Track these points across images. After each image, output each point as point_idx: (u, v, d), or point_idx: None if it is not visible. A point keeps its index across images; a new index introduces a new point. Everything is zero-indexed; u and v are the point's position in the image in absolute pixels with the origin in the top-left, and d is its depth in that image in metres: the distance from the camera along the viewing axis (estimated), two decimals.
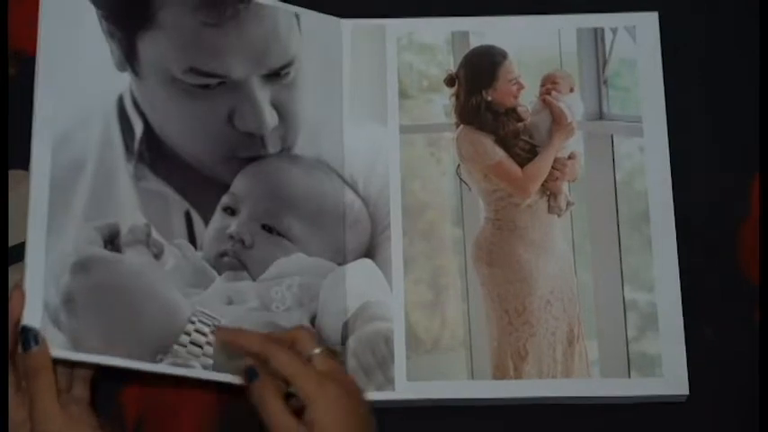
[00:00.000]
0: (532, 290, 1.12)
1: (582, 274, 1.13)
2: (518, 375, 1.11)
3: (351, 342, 1.09)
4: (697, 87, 1.18)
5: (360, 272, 1.12)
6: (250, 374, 0.99)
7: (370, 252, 1.13)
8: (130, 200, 1.07)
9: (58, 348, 0.99)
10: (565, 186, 1.14)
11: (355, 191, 1.14)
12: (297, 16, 1.13)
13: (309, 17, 1.14)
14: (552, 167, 1.14)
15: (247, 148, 1.12)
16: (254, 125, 1.11)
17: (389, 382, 1.09)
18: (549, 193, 1.14)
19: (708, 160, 1.17)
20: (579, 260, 1.13)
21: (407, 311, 1.11)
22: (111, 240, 1.05)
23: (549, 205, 1.14)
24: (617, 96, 1.16)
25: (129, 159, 1.09)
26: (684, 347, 1.10)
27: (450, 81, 1.15)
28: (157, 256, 1.06)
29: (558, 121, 1.14)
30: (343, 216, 1.13)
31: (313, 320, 1.09)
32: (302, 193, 1.12)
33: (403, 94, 1.15)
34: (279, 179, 1.12)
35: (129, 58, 1.09)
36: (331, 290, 1.10)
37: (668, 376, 1.09)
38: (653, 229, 1.12)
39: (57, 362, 1.00)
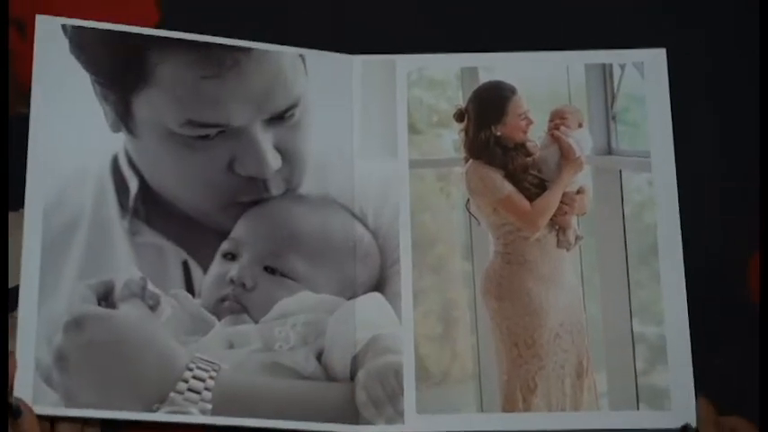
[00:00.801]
0: (542, 323, 1.13)
1: (591, 308, 1.13)
2: (527, 408, 1.11)
3: (360, 375, 1.09)
4: (705, 122, 1.19)
5: (369, 305, 1.12)
6: None
7: (379, 285, 1.13)
8: (125, 255, 1.09)
9: (50, 406, 1.02)
10: (573, 220, 1.15)
11: (365, 225, 1.15)
12: (302, 57, 1.14)
13: (316, 57, 1.14)
14: (561, 202, 1.14)
15: (249, 193, 1.12)
16: (256, 170, 1.11)
17: (399, 415, 1.09)
18: (557, 227, 1.14)
19: (716, 194, 1.18)
20: (588, 293, 1.14)
21: (417, 344, 1.11)
22: (106, 297, 1.06)
23: (557, 239, 1.14)
24: (625, 132, 1.17)
25: (124, 216, 1.11)
26: (693, 380, 1.10)
27: (459, 116, 1.16)
28: (153, 307, 1.07)
29: (566, 156, 1.15)
30: (353, 250, 1.13)
31: (320, 356, 1.10)
32: (307, 231, 1.13)
33: (412, 129, 1.16)
34: (282, 220, 1.13)
35: (123, 119, 1.10)
36: (340, 324, 1.10)
37: (677, 409, 1.10)
38: (661, 263, 1.12)
39: (58, 419, 1.03)
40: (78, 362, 1.03)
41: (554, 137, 1.15)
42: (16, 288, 1.05)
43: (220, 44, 1.11)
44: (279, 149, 1.12)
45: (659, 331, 1.11)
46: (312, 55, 1.14)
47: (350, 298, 1.12)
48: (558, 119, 1.16)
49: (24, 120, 1.08)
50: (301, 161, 1.14)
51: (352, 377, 1.09)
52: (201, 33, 1.11)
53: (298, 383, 1.08)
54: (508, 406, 1.11)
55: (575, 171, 1.15)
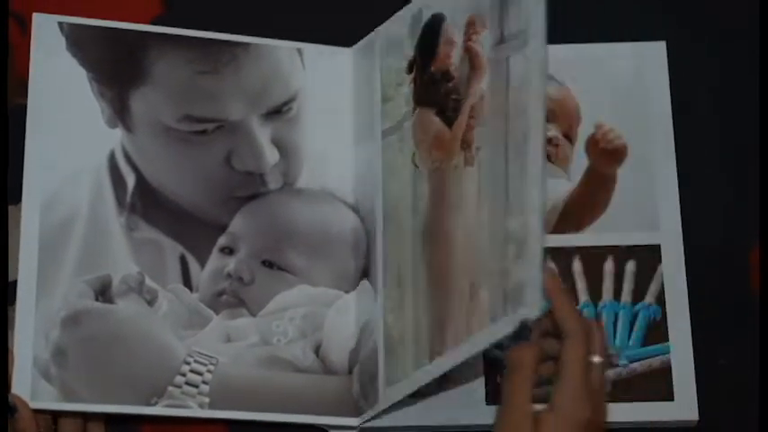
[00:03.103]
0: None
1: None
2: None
3: (356, 367, 1.05)
4: (705, 115, 1.15)
5: (362, 295, 1.07)
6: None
7: (366, 271, 1.08)
8: (123, 251, 1.10)
9: (49, 401, 1.03)
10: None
11: (361, 216, 1.10)
12: (299, 51, 1.13)
13: (314, 50, 1.13)
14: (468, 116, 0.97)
15: (246, 188, 1.11)
16: (253, 165, 1.11)
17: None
18: (464, 145, 0.96)
19: (717, 186, 1.14)
20: None
21: (385, 319, 1.02)
22: (103, 292, 1.08)
23: (464, 158, 0.96)
24: None
25: (121, 212, 1.11)
26: (695, 372, 1.07)
27: (409, 67, 1.04)
28: (151, 302, 1.08)
29: (474, 66, 0.96)
30: (351, 243, 1.09)
31: (318, 350, 1.07)
32: (305, 224, 1.10)
33: (384, 98, 1.07)
34: (279, 214, 1.11)
35: (120, 115, 1.12)
36: (338, 317, 1.07)
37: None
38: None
39: (62, 413, 1.07)
40: (76, 357, 1.04)
41: (466, 49, 0.98)
42: (14, 283, 1.09)
43: (217, 39, 1.13)
44: (276, 144, 1.11)
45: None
46: (309, 49, 1.13)
47: (348, 291, 1.08)
48: (471, 30, 0.98)
49: (24, 110, 1.09)
50: (299, 155, 1.12)
51: (351, 370, 1.05)
52: (203, 26, 1.13)
53: (296, 377, 1.05)
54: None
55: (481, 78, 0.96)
